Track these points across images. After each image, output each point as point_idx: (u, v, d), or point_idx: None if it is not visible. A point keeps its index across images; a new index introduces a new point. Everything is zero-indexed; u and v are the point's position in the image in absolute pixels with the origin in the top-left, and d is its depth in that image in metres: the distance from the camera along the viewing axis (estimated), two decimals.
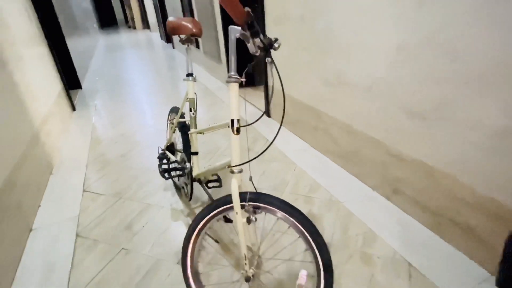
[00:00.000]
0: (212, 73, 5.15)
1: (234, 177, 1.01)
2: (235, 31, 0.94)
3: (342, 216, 1.66)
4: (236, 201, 0.99)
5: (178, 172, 1.54)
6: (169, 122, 1.90)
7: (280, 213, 0.99)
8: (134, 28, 14.91)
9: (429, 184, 1.47)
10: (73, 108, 3.80)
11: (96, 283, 1.39)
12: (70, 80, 4.54)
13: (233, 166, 1.01)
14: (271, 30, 2.63)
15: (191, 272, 1.12)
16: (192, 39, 1.53)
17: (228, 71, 0.98)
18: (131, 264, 1.47)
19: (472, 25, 1.11)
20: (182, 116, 1.69)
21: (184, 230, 1.65)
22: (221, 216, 1.08)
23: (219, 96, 3.99)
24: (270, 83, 2.97)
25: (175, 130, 1.78)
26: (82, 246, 1.60)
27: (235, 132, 0.99)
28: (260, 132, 2.77)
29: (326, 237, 1.51)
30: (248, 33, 0.88)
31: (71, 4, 6.94)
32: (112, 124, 3.27)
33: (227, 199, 1.03)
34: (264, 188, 1.95)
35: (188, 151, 1.61)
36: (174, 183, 2.04)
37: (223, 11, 3.85)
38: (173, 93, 4.41)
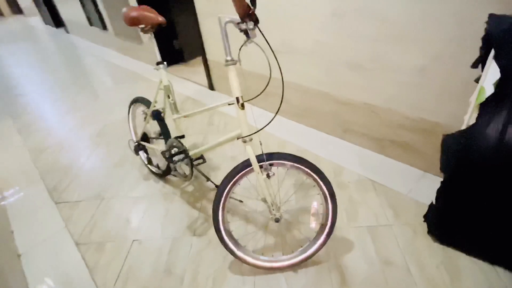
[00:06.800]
0: (130, 55, 4.85)
1: (248, 144, 1.20)
2: (224, 19, 1.08)
3: (312, 160, 2.01)
4: (255, 164, 1.19)
5: (181, 156, 1.56)
6: (142, 113, 1.88)
7: (290, 164, 1.24)
8: (1, 14, 12.25)
9: (372, 118, 1.90)
10: None
11: (124, 277, 1.45)
12: None
13: (245, 136, 1.20)
14: (203, 5, 2.68)
15: (225, 231, 1.31)
16: (154, 28, 1.56)
17: (225, 55, 1.14)
18: (150, 250, 1.57)
19: None
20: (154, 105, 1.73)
21: (184, 208, 1.79)
22: (244, 178, 1.26)
23: (150, 78, 3.87)
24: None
25: (149, 120, 1.80)
26: (88, 251, 1.61)
27: (241, 107, 1.17)
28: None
29: None
30: (247, 20, 1.04)
31: None
32: (46, 131, 2.95)
33: (246, 163, 1.23)
34: (241, 153, 2.17)
35: (169, 137, 1.69)
36: (153, 172, 2.07)
37: None
38: (95, 84, 4.06)
